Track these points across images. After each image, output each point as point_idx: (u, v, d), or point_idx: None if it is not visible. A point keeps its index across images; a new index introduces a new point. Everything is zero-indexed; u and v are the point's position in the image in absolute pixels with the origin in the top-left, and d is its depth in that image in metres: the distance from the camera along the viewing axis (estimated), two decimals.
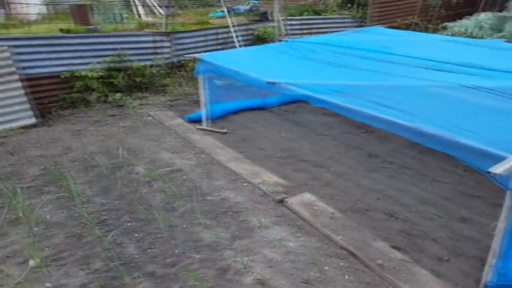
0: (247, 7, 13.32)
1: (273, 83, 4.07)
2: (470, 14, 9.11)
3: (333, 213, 3.50)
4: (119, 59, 6.81)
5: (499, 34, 7.40)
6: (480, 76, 3.86)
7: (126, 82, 6.93)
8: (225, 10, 9.06)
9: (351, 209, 3.68)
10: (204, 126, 5.75)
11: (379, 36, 6.23)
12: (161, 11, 13.40)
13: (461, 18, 8.55)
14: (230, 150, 4.87)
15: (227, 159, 4.60)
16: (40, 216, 3.55)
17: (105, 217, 3.56)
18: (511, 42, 7.47)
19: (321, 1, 12.06)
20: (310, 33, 9.32)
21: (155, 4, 14.67)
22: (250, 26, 8.62)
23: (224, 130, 5.63)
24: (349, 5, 10.46)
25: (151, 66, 7.29)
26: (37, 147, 5.05)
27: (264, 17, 9.29)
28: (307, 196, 3.80)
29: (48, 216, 3.56)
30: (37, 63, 6.19)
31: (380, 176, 4.27)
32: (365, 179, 4.22)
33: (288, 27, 9.12)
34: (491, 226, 2.49)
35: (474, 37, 7.28)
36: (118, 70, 6.84)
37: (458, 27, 7.73)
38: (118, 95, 6.75)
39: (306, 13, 11.11)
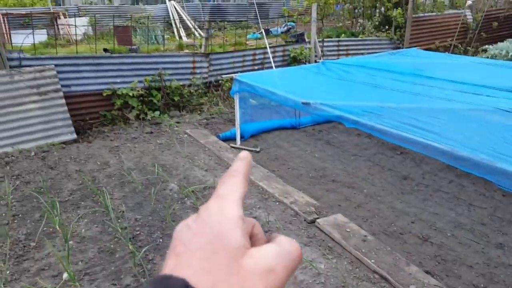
0: (284, 29, 13.65)
1: (308, 104, 4.16)
2: (510, 37, 8.88)
3: (365, 236, 3.48)
4: (159, 78, 7.15)
5: None
6: None
7: (164, 101, 7.25)
8: (263, 31, 9.36)
9: (384, 232, 3.64)
10: (237, 144, 5.90)
11: (415, 58, 6.20)
12: (200, 33, 14.01)
13: (502, 41, 8.34)
14: (262, 169, 4.96)
15: (259, 178, 4.69)
16: (75, 230, 3.65)
17: (138, 232, 3.66)
18: None
19: (358, 23, 12.16)
20: (347, 55, 9.40)
21: (196, 26, 15.36)
22: (286, 47, 8.82)
23: (257, 149, 5.75)
24: (386, 27, 10.47)
25: (189, 85, 7.59)
26: (76, 162, 5.27)
27: (300, 38, 9.49)
28: (339, 217, 3.79)
29: (83, 230, 3.68)
30: (80, 81, 6.52)
31: (414, 199, 4.19)
32: (399, 202, 4.16)
33: (325, 49, 9.25)
34: None
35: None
36: (158, 89, 7.17)
37: (498, 50, 7.53)
38: (156, 113, 7.06)
39: (343, 35, 11.24)
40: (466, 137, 3.11)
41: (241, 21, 21.29)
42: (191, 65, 7.62)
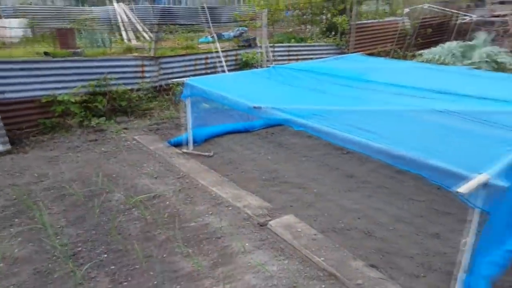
0: (236, 33, 13.71)
1: (259, 108, 4.22)
2: (442, 42, 9.67)
3: (315, 234, 3.59)
4: (105, 83, 6.88)
5: (468, 61, 7.85)
6: (450, 101, 4.11)
7: (110, 106, 6.98)
8: (215, 35, 9.36)
9: (333, 229, 3.78)
10: (189, 149, 5.84)
11: (358, 63, 6.52)
12: (150, 35, 13.66)
13: (435, 46, 9.05)
14: (215, 174, 4.95)
15: (211, 183, 4.67)
16: (7, 251, 3.36)
17: (79, 249, 3.42)
18: (479, 69, 7.94)
19: (307, 29, 12.55)
20: (297, 59, 9.67)
21: (145, 29, 14.95)
22: (239, 52, 8.90)
23: (210, 153, 5.73)
24: (333, 33, 10.92)
25: (138, 90, 7.40)
26: (9, 175, 4.89)
27: (252, 43, 9.61)
28: (291, 218, 3.89)
29: (16, 250, 3.37)
30: (16, 87, 6.09)
31: (359, 196, 4.40)
32: (346, 199, 4.34)
33: (276, 54, 9.44)
34: (462, 242, 2.61)
35: (445, 64, 7.70)
36: (103, 94, 6.90)
37: (432, 54, 8.17)
38: (102, 119, 6.77)
39: (292, 40, 11.56)
40: (402, 136, 3.33)
41: (193, 24, 21.04)
42: (139, 69, 7.44)
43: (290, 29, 12.68)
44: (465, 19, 11.81)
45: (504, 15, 11.64)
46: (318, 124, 3.65)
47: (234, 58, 8.70)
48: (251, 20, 15.65)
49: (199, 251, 3.41)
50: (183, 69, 7.92)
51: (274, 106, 4.14)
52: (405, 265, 3.23)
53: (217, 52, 8.33)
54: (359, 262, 3.18)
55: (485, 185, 2.39)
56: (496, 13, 12.23)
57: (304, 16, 12.67)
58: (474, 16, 11.76)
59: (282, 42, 11.14)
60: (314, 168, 5.20)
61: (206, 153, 5.72)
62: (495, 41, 10.51)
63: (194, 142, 5.96)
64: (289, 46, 9.79)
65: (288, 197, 4.44)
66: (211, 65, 8.24)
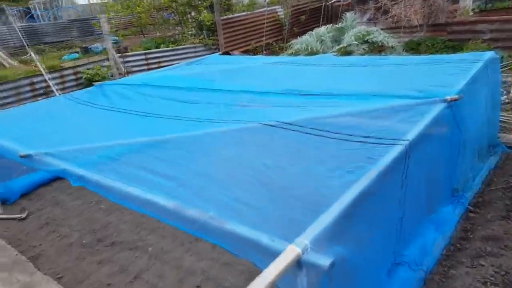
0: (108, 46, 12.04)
1: (29, 156, 2.91)
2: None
3: None
4: None
5: (339, 46, 7.33)
6: (291, 106, 3.23)
7: None
8: (79, 51, 7.70)
9: None
10: None
11: (211, 66, 5.52)
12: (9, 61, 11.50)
13: None
14: (10, 252, 3.51)
15: None
16: None
17: None
18: (350, 53, 7.49)
19: (177, 31, 11.34)
20: (159, 67, 8.42)
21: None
22: (77, 69, 7.32)
23: (23, 215, 4.24)
24: (204, 32, 9.88)
25: None
26: None
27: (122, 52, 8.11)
28: None
29: None
30: None
31: (207, 248, 3.34)
32: (189, 254, 3.26)
33: (132, 64, 8.07)
34: None
35: (315, 52, 7.07)
36: None
37: (300, 44, 7.51)
38: None
39: (163, 45, 10.36)
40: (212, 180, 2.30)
41: (62, 41, 19.00)
42: None
43: (158, 34, 11.36)
44: (339, 0, 11.55)
45: None
46: (102, 173, 2.48)
47: (73, 77, 7.13)
48: (124, 28, 14.08)
49: None
50: (2, 101, 6.16)
51: (49, 150, 2.87)
52: None
53: (51, 72, 6.71)
54: None
55: (299, 266, 1.43)
56: None
57: (173, 17, 11.43)
58: None
59: (149, 49, 9.86)
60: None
61: (17, 216, 4.22)
62: (371, 20, 10.38)
63: (5, 201, 4.42)
64: (146, 54, 8.50)
65: (109, 270, 3.21)
66: (41, 91, 6.58)
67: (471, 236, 3.10)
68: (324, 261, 1.35)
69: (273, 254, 1.48)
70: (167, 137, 2.95)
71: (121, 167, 2.58)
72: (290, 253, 1.37)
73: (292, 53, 7.43)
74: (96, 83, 4.88)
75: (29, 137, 3.36)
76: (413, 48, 8.62)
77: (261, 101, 3.61)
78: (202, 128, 3.06)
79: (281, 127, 2.80)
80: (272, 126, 2.81)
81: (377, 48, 8.37)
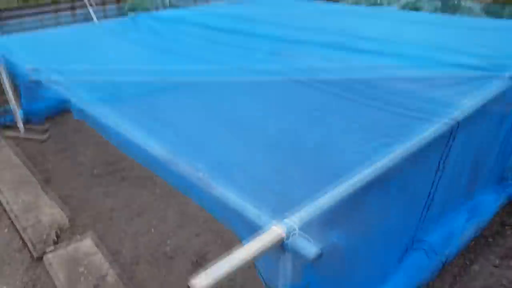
0: None
1: (37, 70, 2.78)
2: None
3: (104, 275, 2.36)
4: None
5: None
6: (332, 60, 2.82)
7: None
8: None
9: (148, 259, 2.57)
10: (21, 132, 4.33)
11: (260, 7, 5.03)
12: None
13: None
14: (23, 170, 3.54)
15: (8, 185, 3.30)
16: None
17: None
18: (419, 9, 6.63)
19: None
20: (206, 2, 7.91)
21: None
22: None
23: (44, 136, 4.27)
24: None
25: None
26: None
27: None
28: (87, 243, 2.63)
29: None
30: None
31: None
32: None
33: None
34: None
35: (379, 4, 6.30)
36: None
37: None
38: None
39: None
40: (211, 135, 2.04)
41: None
42: None
43: None
44: None
45: None
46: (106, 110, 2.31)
47: (115, 5, 6.85)
48: None
49: None
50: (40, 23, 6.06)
51: (59, 75, 2.70)
52: None
53: None
54: None
55: (282, 250, 1.18)
56: None
57: None
58: None
59: None
60: None
61: (37, 137, 4.25)
62: None
63: (30, 120, 4.46)
64: None
65: (114, 202, 3.16)
66: (81, 17, 6.38)
67: (508, 232, 2.70)
68: (309, 250, 1.08)
69: (258, 232, 1.23)
70: (183, 80, 2.69)
71: (124, 107, 2.39)
72: (272, 234, 1.12)
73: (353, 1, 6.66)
74: (130, 13, 4.61)
75: (44, 58, 3.22)
76: (496, 12, 7.43)
77: (300, 51, 3.20)
78: (223, 74, 2.76)
79: (311, 85, 2.44)
80: (302, 82, 2.46)
81: (451, 8, 7.34)
